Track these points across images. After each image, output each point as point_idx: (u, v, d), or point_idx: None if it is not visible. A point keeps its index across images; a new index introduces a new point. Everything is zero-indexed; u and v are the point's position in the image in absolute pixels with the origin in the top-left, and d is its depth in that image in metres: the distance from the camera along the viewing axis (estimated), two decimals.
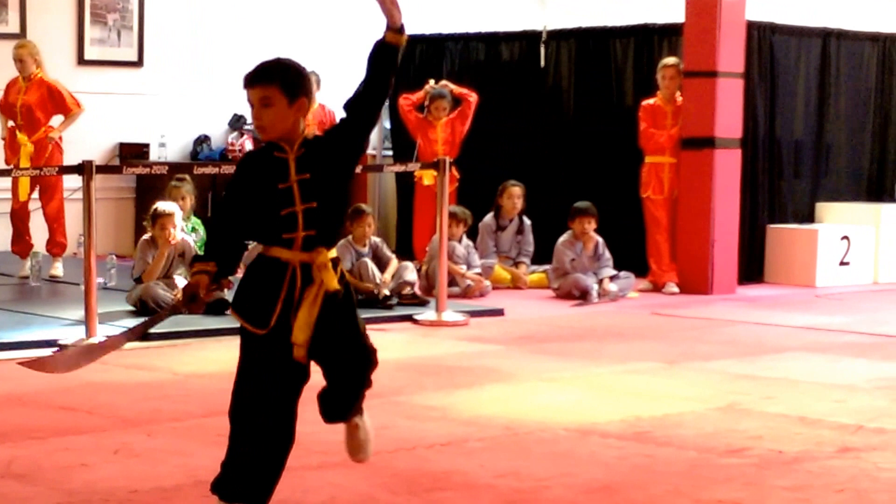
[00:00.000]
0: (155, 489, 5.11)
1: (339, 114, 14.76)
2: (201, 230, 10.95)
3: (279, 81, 4.60)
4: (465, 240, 11.64)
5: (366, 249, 10.48)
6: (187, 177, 11.06)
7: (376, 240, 10.67)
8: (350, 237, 10.49)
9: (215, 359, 8.18)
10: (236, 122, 15.17)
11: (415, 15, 16.23)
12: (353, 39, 15.76)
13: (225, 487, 4.60)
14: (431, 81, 13.21)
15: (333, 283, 4.52)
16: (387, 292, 10.19)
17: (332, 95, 14.54)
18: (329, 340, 4.60)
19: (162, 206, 9.94)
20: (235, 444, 4.62)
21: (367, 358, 4.82)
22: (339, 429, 6.10)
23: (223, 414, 6.37)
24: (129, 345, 8.48)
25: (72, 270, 11.49)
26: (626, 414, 6.55)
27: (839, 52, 13.45)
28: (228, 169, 10.98)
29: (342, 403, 4.83)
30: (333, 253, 4.59)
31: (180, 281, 9.73)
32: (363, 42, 16.49)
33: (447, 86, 13.16)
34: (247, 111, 15.43)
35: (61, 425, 6.24)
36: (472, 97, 12.88)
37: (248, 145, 14.94)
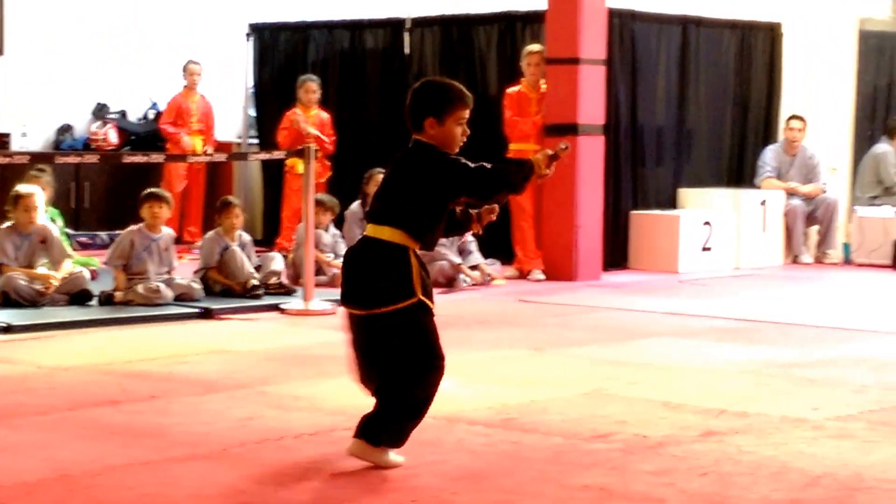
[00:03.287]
0: (19, 484, 5.01)
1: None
2: (60, 221, 10.78)
3: None
4: (332, 228, 11.59)
5: (235, 243, 10.39)
6: (47, 167, 10.89)
7: (247, 237, 10.60)
8: (219, 229, 10.42)
9: (80, 351, 8.08)
10: (100, 111, 14.94)
11: (279, 2, 16.30)
12: (220, 27, 15.64)
13: (387, 434, 5.22)
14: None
15: None
16: (255, 282, 10.13)
17: (208, 87, 14.46)
18: None
19: (22, 188, 9.82)
20: (408, 396, 5.20)
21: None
22: (204, 420, 6.10)
23: (88, 407, 6.36)
24: None
25: None
26: (494, 401, 6.58)
27: (699, 39, 13.67)
28: (92, 158, 10.88)
29: None
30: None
31: (43, 272, 9.57)
32: (227, 32, 16.44)
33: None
34: (110, 100, 15.34)
35: None
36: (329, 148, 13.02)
37: (112, 135, 14.72)
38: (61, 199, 11.44)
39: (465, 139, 5.43)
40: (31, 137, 14.30)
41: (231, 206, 10.45)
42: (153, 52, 15.14)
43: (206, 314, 9.47)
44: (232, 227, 10.39)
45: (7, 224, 9.70)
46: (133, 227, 9.93)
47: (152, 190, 10.24)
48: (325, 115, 13.41)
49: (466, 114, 5.40)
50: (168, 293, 9.64)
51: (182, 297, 9.77)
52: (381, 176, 12.49)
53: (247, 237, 10.59)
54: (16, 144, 14.02)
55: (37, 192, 9.71)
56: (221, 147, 14.49)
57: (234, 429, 5.92)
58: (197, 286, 9.93)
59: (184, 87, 14.14)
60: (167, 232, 10.10)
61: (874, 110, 14.96)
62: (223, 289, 10.11)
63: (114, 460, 5.35)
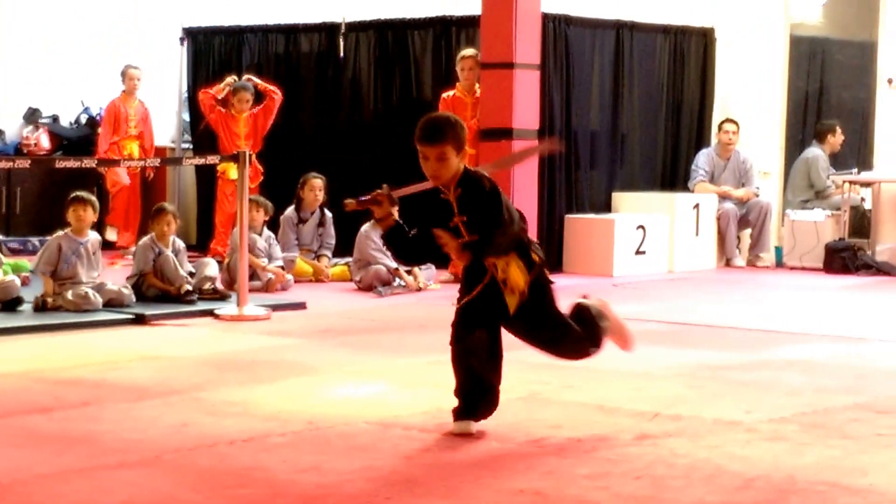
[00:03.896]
0: None
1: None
2: None
3: (451, 139, 5.71)
4: (266, 232, 11.57)
5: (168, 248, 10.33)
6: None
7: (180, 244, 10.54)
8: (152, 235, 10.37)
9: (12, 358, 8.01)
10: (31, 116, 14.83)
11: (213, 6, 16.19)
12: (153, 31, 15.56)
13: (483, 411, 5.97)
14: (234, 77, 13.19)
15: None
16: (188, 287, 10.09)
17: (142, 91, 14.38)
18: None
19: None
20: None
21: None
22: (137, 427, 6.07)
23: (19, 414, 6.33)
24: None
25: None
26: (429, 406, 6.59)
27: (632, 43, 13.77)
28: (23, 163, 10.80)
29: None
30: None
31: None
32: (161, 36, 16.33)
33: (251, 79, 13.13)
34: (42, 105, 15.22)
35: None
36: (278, 94, 12.88)
37: (44, 139, 14.62)
38: None
39: (429, 175, 5.80)
40: None
41: (164, 212, 10.40)
42: (86, 57, 15.06)
43: (140, 320, 9.42)
44: (164, 234, 10.35)
45: None
46: (59, 233, 9.86)
47: (77, 193, 10.15)
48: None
49: (421, 149, 5.78)
50: (97, 299, 9.58)
51: (112, 303, 9.70)
52: (318, 181, 12.58)
53: (180, 243, 10.54)
54: None
55: None
56: (156, 152, 14.43)
57: (168, 435, 5.89)
58: (127, 291, 9.87)
59: (122, 91, 14.07)
60: (94, 235, 10.03)
61: (805, 115, 15.17)
62: (158, 293, 10.06)
63: (45, 468, 5.31)
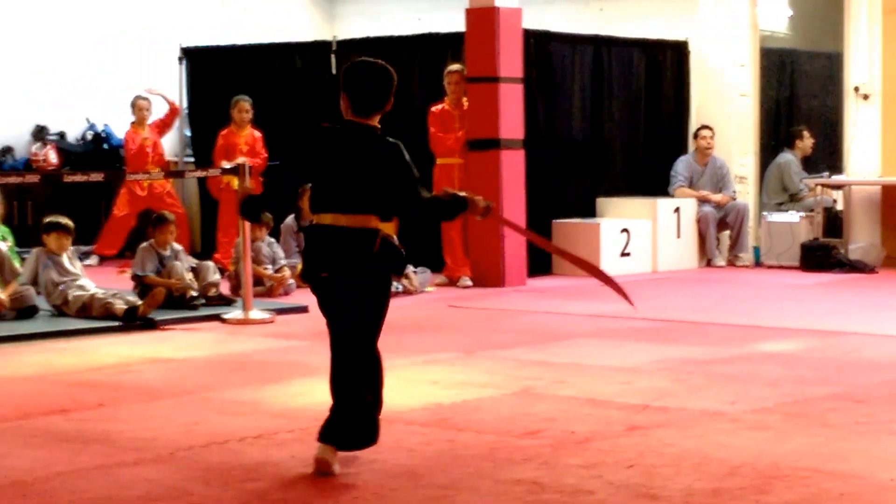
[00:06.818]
0: None
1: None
2: (10, 239, 10.91)
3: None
4: (267, 238, 11.77)
5: (167, 253, 10.56)
6: None
7: (178, 246, 10.76)
8: (152, 241, 10.59)
9: (28, 362, 8.20)
10: (39, 133, 15.12)
11: (210, 27, 16.35)
12: (153, 51, 15.78)
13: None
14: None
15: None
16: (194, 293, 10.30)
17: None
18: None
19: None
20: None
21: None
22: (151, 426, 6.25)
23: (38, 416, 6.47)
24: None
25: None
26: (428, 402, 6.74)
27: (610, 57, 14.03)
28: (33, 178, 11.03)
29: None
30: None
31: None
32: (160, 56, 16.51)
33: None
34: (50, 122, 15.65)
35: None
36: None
37: (52, 155, 14.90)
38: (5, 218, 11.57)
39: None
40: None
41: (167, 222, 10.61)
42: (89, 76, 15.28)
43: (150, 325, 9.64)
44: (165, 242, 10.56)
45: None
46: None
47: (56, 220, 10.38)
48: (257, 134, 13.56)
49: None
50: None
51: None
52: None
53: (178, 246, 10.74)
54: None
55: None
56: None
57: (181, 433, 6.03)
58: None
59: (132, 123, 14.29)
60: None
61: (777, 122, 15.44)
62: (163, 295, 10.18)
63: (65, 466, 5.46)
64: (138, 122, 14.26)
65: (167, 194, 14.42)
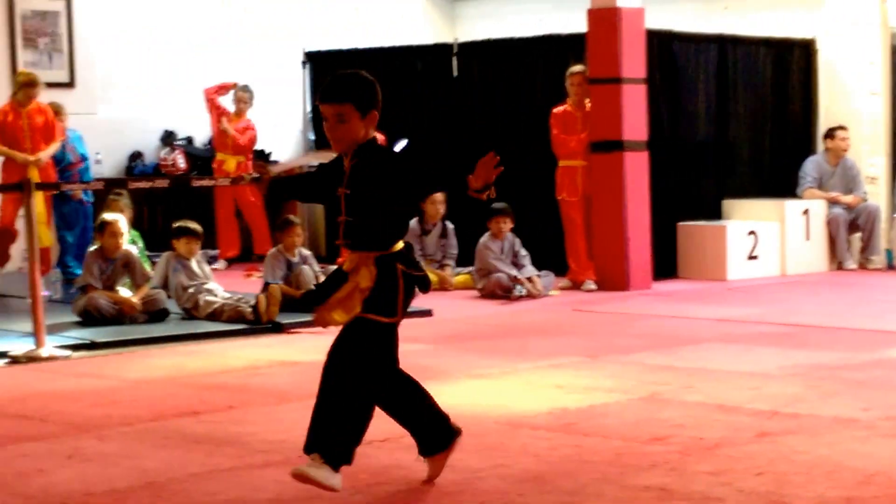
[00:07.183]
0: (109, 491, 5.24)
1: (262, 131, 15.12)
2: (140, 242, 11.17)
3: (353, 98, 4.95)
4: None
5: (296, 258, 10.68)
6: (124, 191, 11.30)
7: (306, 252, 10.87)
8: (280, 246, 10.71)
9: (160, 365, 8.34)
10: (167, 138, 15.44)
11: (333, 31, 16.60)
12: (277, 56, 16.04)
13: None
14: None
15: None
16: None
17: (267, 111, 14.82)
18: None
19: (108, 215, 10.30)
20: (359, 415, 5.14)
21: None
22: (280, 429, 6.32)
23: (171, 418, 6.59)
24: (76, 354, 8.74)
25: (18, 284, 11.56)
26: (553, 406, 6.72)
27: (735, 56, 13.89)
28: (162, 183, 11.30)
29: None
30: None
31: (124, 292, 10.04)
32: (285, 58, 16.85)
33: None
34: (178, 127, 15.92)
35: (17, 433, 6.38)
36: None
37: (180, 160, 15.19)
38: (136, 222, 11.85)
39: (329, 138, 5.12)
40: (105, 164, 14.75)
41: (293, 225, 10.74)
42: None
43: (277, 328, 9.78)
44: (293, 245, 10.68)
45: (94, 247, 10.22)
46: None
47: (182, 224, 10.59)
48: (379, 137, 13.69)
49: (322, 109, 5.10)
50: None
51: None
52: (439, 194, 12.72)
53: (306, 252, 10.86)
54: (91, 171, 14.38)
55: (120, 219, 10.22)
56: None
57: None
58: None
59: (232, 112, 14.50)
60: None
61: None
62: (289, 300, 10.23)
63: (197, 468, 5.56)
64: (238, 113, 14.41)
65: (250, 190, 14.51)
